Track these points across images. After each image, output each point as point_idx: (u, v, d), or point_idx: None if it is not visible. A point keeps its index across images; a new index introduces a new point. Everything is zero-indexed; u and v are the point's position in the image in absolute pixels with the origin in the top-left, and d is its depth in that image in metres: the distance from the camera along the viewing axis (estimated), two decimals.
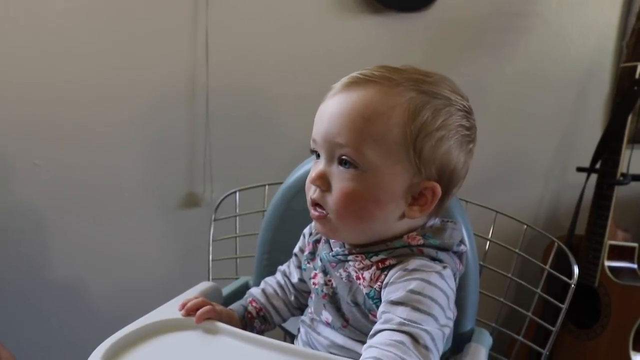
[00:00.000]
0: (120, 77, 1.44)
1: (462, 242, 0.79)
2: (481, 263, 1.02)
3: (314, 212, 0.76)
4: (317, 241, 0.86)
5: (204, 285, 0.95)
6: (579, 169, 1.63)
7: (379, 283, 0.73)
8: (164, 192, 1.54)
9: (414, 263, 0.71)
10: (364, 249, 0.76)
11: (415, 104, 0.70)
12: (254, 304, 0.92)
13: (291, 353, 0.75)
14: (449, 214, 0.89)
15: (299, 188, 0.95)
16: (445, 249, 0.75)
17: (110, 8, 1.40)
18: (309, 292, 0.91)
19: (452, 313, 0.70)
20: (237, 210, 1.17)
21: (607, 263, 1.55)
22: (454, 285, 0.73)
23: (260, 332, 0.91)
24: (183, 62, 1.46)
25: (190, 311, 0.82)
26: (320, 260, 0.82)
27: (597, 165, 1.58)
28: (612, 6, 1.69)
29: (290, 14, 1.49)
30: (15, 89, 1.40)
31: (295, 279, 0.92)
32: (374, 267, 0.74)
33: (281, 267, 0.96)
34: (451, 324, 0.70)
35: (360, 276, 0.75)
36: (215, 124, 1.49)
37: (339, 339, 0.80)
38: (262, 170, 1.43)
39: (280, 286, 0.94)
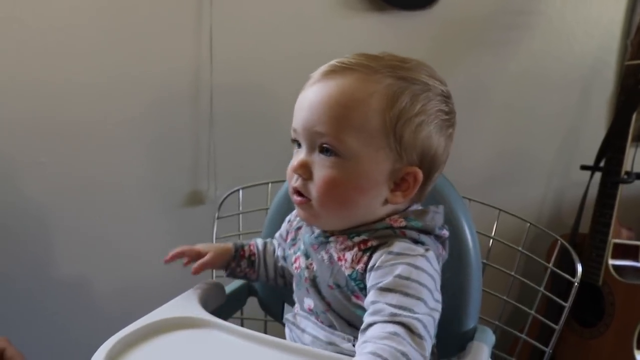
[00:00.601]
0: (124, 75, 1.44)
1: (444, 226, 0.79)
2: (484, 261, 1.02)
3: (296, 198, 0.77)
4: (299, 228, 0.88)
5: (206, 283, 0.95)
6: (583, 167, 1.62)
7: (361, 264, 0.73)
8: (167, 190, 1.54)
9: (398, 246, 0.71)
10: (346, 230, 0.77)
11: (393, 90, 0.71)
12: (252, 248, 0.97)
13: (291, 351, 0.75)
14: (452, 213, 0.89)
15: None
16: (427, 231, 0.75)
17: (114, 6, 1.40)
18: (283, 276, 0.96)
19: (439, 296, 0.70)
20: (240, 208, 1.18)
21: (611, 262, 1.55)
22: (438, 268, 0.73)
23: (243, 274, 0.96)
24: (187, 60, 1.46)
25: (175, 257, 0.92)
26: (303, 243, 0.83)
27: (601, 164, 1.58)
28: (616, 4, 1.68)
29: (294, 12, 1.49)
30: (19, 87, 1.40)
31: (279, 253, 0.95)
32: (355, 248, 0.75)
33: (274, 239, 0.99)
34: (439, 307, 0.69)
35: (342, 257, 0.76)
36: (219, 122, 1.49)
37: (321, 334, 0.80)
38: (265, 168, 1.43)
39: (274, 253, 0.97)
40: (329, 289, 0.77)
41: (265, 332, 0.80)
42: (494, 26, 1.61)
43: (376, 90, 0.70)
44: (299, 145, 0.76)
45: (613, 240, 1.54)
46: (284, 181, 1.05)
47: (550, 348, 0.99)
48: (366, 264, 0.72)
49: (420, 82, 0.72)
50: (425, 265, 0.69)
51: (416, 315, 0.64)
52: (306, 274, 0.81)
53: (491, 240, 1.06)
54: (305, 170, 0.74)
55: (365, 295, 0.71)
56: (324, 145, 0.72)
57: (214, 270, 1.11)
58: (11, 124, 1.42)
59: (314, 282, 0.80)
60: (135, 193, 1.53)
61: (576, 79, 1.72)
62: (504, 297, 1.05)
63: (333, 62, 0.74)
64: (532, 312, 1.03)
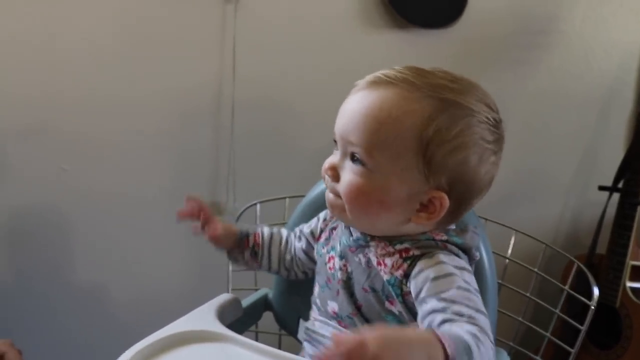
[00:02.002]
0: (148, 88, 1.46)
1: (478, 248, 0.79)
2: (499, 281, 1.02)
3: (329, 194, 0.78)
4: (334, 228, 0.87)
5: (223, 297, 0.96)
6: (601, 188, 1.62)
7: (400, 271, 0.73)
8: None
9: (445, 257, 0.72)
10: (388, 236, 0.77)
11: (430, 110, 0.69)
12: (256, 238, 0.95)
13: None
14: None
15: (319, 204, 0.96)
16: (465, 249, 0.76)
17: (140, 22, 1.43)
18: (302, 267, 0.95)
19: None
20: (258, 222, 1.19)
21: (629, 284, 1.54)
22: (476, 284, 0.73)
23: (244, 262, 0.95)
24: (210, 74, 1.48)
25: (186, 216, 0.91)
26: (339, 244, 0.83)
27: (620, 185, 1.57)
28: (636, 24, 1.68)
29: (317, 29, 1.51)
30: (47, 96, 1.42)
31: (298, 245, 0.94)
32: (397, 255, 0.75)
33: (297, 229, 0.97)
34: None
35: (382, 262, 0.76)
36: (239, 136, 1.51)
37: None
38: (284, 182, 1.44)
39: (287, 242, 0.96)
40: (362, 292, 0.78)
41: (280, 346, 0.81)
42: (513, 45, 1.62)
43: (413, 109, 0.70)
44: (337, 148, 0.77)
45: (631, 262, 1.53)
46: (301, 196, 1.06)
47: None
48: (405, 271, 0.73)
49: (463, 107, 0.71)
50: (471, 280, 0.71)
51: (482, 324, 0.64)
52: (339, 275, 0.81)
53: (507, 261, 1.06)
54: (334, 173, 0.76)
55: (401, 302, 0.73)
56: (354, 155, 0.73)
57: (230, 283, 1.13)
58: (36, 131, 1.45)
59: (347, 284, 0.80)
60: (154, 203, 1.55)
61: (595, 99, 1.72)
62: (519, 319, 1.05)
63: (379, 72, 0.74)
64: (548, 334, 1.02)
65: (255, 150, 1.54)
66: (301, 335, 1.02)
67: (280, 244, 0.96)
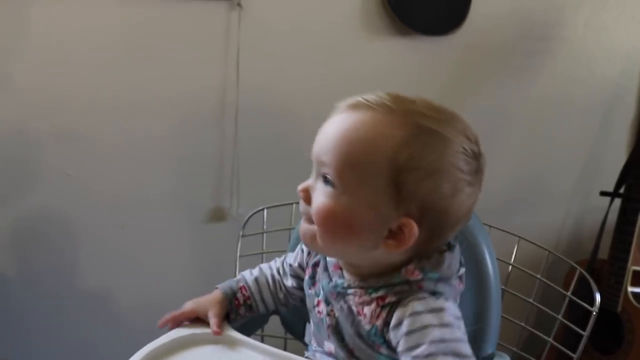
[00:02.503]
0: (152, 93, 1.47)
1: (461, 264, 0.78)
2: (503, 287, 1.03)
3: (301, 223, 0.77)
4: (316, 264, 0.86)
5: None
6: (603, 193, 1.62)
7: (380, 320, 0.72)
8: (191, 206, 1.57)
9: (419, 305, 0.70)
10: (363, 283, 0.76)
11: (405, 137, 0.68)
12: (243, 292, 0.92)
13: None
14: (474, 240, 0.90)
15: None
16: (444, 279, 0.74)
17: (146, 27, 1.44)
18: (298, 298, 0.93)
19: (466, 338, 0.70)
20: (265, 227, 1.20)
21: (631, 289, 1.54)
22: (459, 312, 0.72)
23: (244, 319, 0.93)
24: (214, 80, 1.49)
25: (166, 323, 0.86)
26: (322, 289, 0.82)
27: (621, 190, 1.58)
28: (638, 30, 1.70)
29: (319, 35, 1.52)
30: (52, 102, 1.44)
31: (288, 283, 0.93)
32: (374, 304, 0.74)
33: (277, 261, 0.96)
34: (470, 351, 0.69)
35: (361, 311, 0.75)
36: (243, 141, 1.52)
37: None
38: (288, 188, 1.45)
39: (274, 280, 0.94)
40: (351, 337, 0.77)
41: (285, 351, 0.81)
42: (516, 52, 1.63)
43: (388, 134, 0.68)
44: None
45: (632, 267, 1.54)
46: None
47: None
48: (385, 320, 0.72)
49: (439, 135, 0.69)
50: (451, 320, 0.69)
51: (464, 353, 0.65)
52: (328, 320, 0.80)
53: (510, 267, 1.07)
54: (306, 195, 0.75)
55: (387, 347, 0.72)
56: (325, 175, 0.72)
57: None
58: (41, 136, 1.46)
59: (336, 329, 0.79)
60: (160, 208, 1.56)
61: (597, 105, 1.73)
62: (522, 324, 1.06)
63: (359, 96, 0.73)
64: (550, 339, 1.03)
65: (259, 156, 1.55)
66: (308, 339, 1.03)
67: (269, 285, 0.94)
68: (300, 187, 0.76)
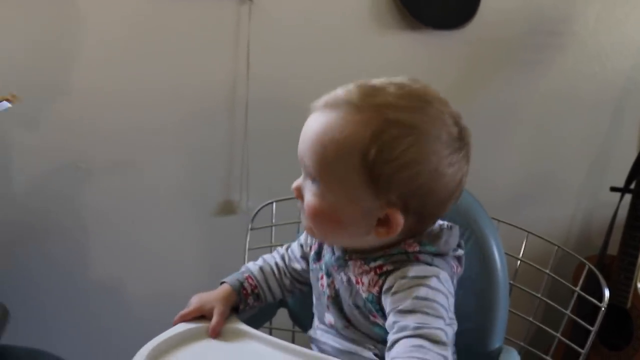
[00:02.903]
0: (164, 86, 1.48)
1: (459, 245, 0.81)
2: (511, 282, 1.03)
3: (301, 216, 0.81)
4: (322, 242, 0.89)
5: None
6: (613, 189, 1.62)
7: (376, 288, 0.76)
8: (201, 199, 1.58)
9: (413, 270, 0.73)
10: (363, 255, 0.79)
11: (372, 132, 0.70)
12: (250, 281, 0.93)
13: None
14: (482, 234, 0.90)
15: None
16: (441, 254, 0.77)
17: (157, 21, 1.44)
18: (304, 283, 0.95)
19: (453, 315, 0.73)
20: (274, 221, 1.21)
21: None
22: (452, 288, 0.75)
23: (252, 308, 0.93)
24: (224, 74, 1.50)
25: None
26: (325, 262, 0.86)
27: (632, 186, 1.57)
28: None
29: (330, 29, 1.52)
30: (63, 95, 1.44)
31: (298, 266, 0.95)
32: (372, 273, 0.77)
33: (280, 250, 0.99)
34: (454, 325, 0.72)
35: (359, 280, 0.78)
36: (253, 135, 1.53)
37: (343, 344, 0.83)
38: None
39: (278, 267, 0.96)
40: (349, 308, 0.81)
41: (293, 343, 0.82)
42: (526, 46, 1.62)
43: (354, 131, 0.70)
44: None
45: None
46: None
47: None
48: (381, 287, 0.75)
49: (408, 125, 0.70)
50: (439, 286, 0.72)
51: (438, 327, 0.67)
52: (328, 292, 0.84)
53: (519, 262, 1.07)
54: (297, 192, 0.79)
55: (382, 316, 0.75)
56: (310, 174, 0.76)
57: None
58: (53, 129, 1.47)
59: (335, 300, 0.83)
60: (169, 200, 1.57)
61: (608, 100, 1.72)
62: (530, 319, 1.06)
63: (330, 95, 0.76)
64: (558, 335, 1.03)
65: (269, 150, 1.56)
66: (309, 331, 1.04)
67: (274, 273, 0.96)
68: (293, 185, 0.80)
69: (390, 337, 0.68)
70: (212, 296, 0.89)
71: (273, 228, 1.21)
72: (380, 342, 0.79)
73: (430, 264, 0.75)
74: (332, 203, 0.74)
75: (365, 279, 0.77)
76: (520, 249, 1.09)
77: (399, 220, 0.73)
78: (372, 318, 0.78)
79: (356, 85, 0.75)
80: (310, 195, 0.76)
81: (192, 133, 1.53)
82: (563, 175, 1.75)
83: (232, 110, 1.52)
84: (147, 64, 1.47)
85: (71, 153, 1.49)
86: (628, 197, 1.58)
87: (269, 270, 0.96)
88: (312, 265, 0.90)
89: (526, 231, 1.07)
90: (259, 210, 1.21)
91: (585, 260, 1.06)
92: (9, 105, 0.79)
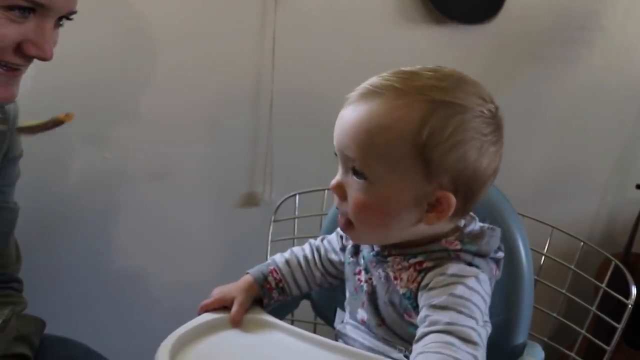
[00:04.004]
0: (187, 77, 1.49)
1: (499, 248, 0.79)
2: (535, 277, 1.02)
3: (340, 219, 0.79)
4: None
5: None
6: (639, 186, 1.60)
7: (414, 284, 0.75)
8: (224, 190, 1.59)
9: (452, 268, 0.72)
10: (402, 250, 0.78)
11: (421, 115, 0.69)
12: (274, 275, 0.92)
13: (343, 353, 0.78)
14: (508, 229, 0.90)
15: None
16: (481, 255, 0.76)
17: (184, 10, 1.45)
18: (336, 277, 0.94)
19: (487, 317, 0.72)
20: (297, 213, 1.21)
21: None
22: (489, 290, 0.74)
23: (277, 302, 0.93)
24: (250, 65, 1.50)
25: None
26: (363, 258, 0.84)
27: None
28: None
29: (356, 22, 1.52)
30: (88, 84, 1.45)
31: (336, 258, 0.93)
32: (411, 269, 0.76)
33: (313, 242, 0.97)
34: (489, 328, 0.71)
35: (398, 277, 0.77)
36: (277, 127, 1.53)
37: (372, 343, 0.82)
38: (320, 174, 1.45)
39: (307, 260, 0.94)
40: (384, 305, 0.79)
41: None
42: (553, 41, 1.61)
43: (402, 116, 0.70)
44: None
45: None
46: None
47: None
48: (419, 283, 0.74)
49: (453, 104, 0.70)
50: (477, 287, 0.71)
51: (470, 326, 0.66)
52: (366, 287, 0.82)
53: (543, 257, 1.07)
54: (340, 191, 0.76)
55: (418, 314, 0.73)
56: (355, 168, 0.73)
57: None
58: (80, 118, 1.48)
59: (372, 297, 0.81)
60: (193, 191, 1.58)
61: (635, 96, 1.70)
62: (554, 314, 1.06)
63: (366, 84, 0.75)
64: (583, 331, 1.03)
65: (293, 142, 1.56)
66: (338, 325, 1.04)
67: (301, 266, 0.94)
68: (333, 184, 0.77)
69: (420, 330, 0.68)
70: (234, 287, 0.90)
71: (296, 220, 1.21)
72: (412, 343, 0.76)
73: (470, 264, 0.74)
74: (383, 194, 0.72)
75: (405, 275, 0.76)
76: (545, 244, 1.08)
77: (452, 201, 0.72)
78: (406, 317, 0.77)
79: (391, 73, 0.74)
80: (355, 190, 0.74)
81: (217, 124, 1.54)
82: (588, 171, 1.74)
83: (256, 102, 1.53)
84: (172, 55, 1.47)
85: (97, 143, 1.51)
86: None
87: (296, 264, 0.95)
88: (349, 259, 0.88)
89: (551, 226, 1.07)
90: (282, 203, 1.21)
91: (611, 257, 1.05)
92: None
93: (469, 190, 0.74)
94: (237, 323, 0.84)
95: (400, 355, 0.79)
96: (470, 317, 0.67)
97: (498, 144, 0.75)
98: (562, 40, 1.61)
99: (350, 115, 0.74)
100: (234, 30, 1.48)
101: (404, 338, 0.79)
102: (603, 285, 1.02)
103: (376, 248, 0.82)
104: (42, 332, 1.04)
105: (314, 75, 1.53)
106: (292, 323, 1.12)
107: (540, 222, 1.07)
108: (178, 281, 1.63)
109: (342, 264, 0.92)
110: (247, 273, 0.93)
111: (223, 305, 0.87)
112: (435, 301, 0.69)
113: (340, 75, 1.53)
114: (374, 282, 0.81)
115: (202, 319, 0.84)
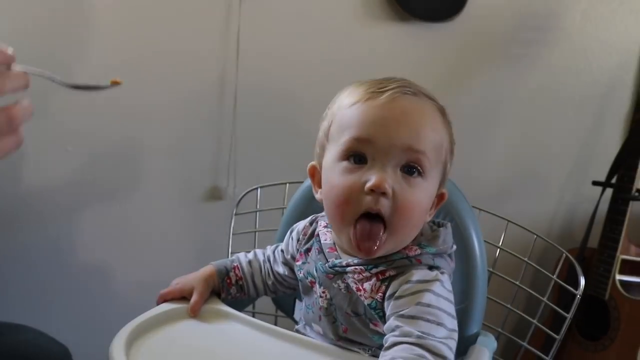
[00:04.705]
0: (151, 71, 1.48)
1: (452, 243, 0.82)
2: (490, 269, 1.05)
3: (370, 225, 0.72)
4: (308, 250, 0.87)
5: None
6: (595, 183, 1.64)
7: (379, 294, 0.74)
8: (188, 184, 1.59)
9: (416, 274, 0.73)
10: (362, 261, 0.77)
11: (445, 118, 0.78)
12: (236, 272, 0.93)
13: (302, 344, 0.79)
14: (462, 221, 0.92)
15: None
16: (440, 254, 0.78)
17: (149, 6, 1.45)
18: (287, 287, 0.95)
19: (455, 318, 0.73)
20: (258, 206, 1.22)
21: (619, 277, 1.57)
22: (451, 287, 0.76)
23: (234, 299, 0.93)
24: (214, 61, 1.50)
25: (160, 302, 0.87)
26: (316, 270, 0.83)
27: (613, 180, 1.60)
28: (636, 23, 1.70)
29: (319, 19, 1.53)
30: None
31: (280, 270, 0.93)
32: (374, 279, 0.76)
33: (268, 249, 0.98)
34: (457, 327, 0.72)
35: (361, 287, 0.76)
36: (241, 122, 1.53)
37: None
38: (284, 168, 1.47)
39: (264, 267, 0.96)
40: (346, 316, 0.79)
41: None
42: (513, 41, 1.64)
43: (438, 116, 0.77)
44: (359, 160, 0.73)
45: (621, 256, 1.56)
46: (301, 182, 1.09)
47: (551, 357, 1.02)
48: (384, 292, 0.74)
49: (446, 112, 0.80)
50: (442, 292, 0.72)
51: (440, 339, 0.67)
52: (320, 302, 0.82)
53: (498, 250, 1.09)
54: (390, 191, 0.70)
55: (384, 322, 0.73)
56: (412, 164, 0.72)
57: None
58: (42, 113, 1.46)
59: (328, 311, 0.81)
60: (158, 185, 1.57)
61: (593, 96, 1.74)
62: (508, 306, 1.08)
63: (395, 83, 0.75)
64: (535, 321, 1.05)
65: (257, 136, 1.56)
66: (297, 316, 1.05)
67: (261, 271, 0.95)
68: (384, 185, 0.69)
69: (391, 339, 0.68)
70: (193, 277, 0.90)
71: (257, 213, 1.22)
72: (377, 348, 0.77)
73: (432, 266, 0.75)
74: (427, 190, 0.76)
75: (367, 286, 0.75)
76: (500, 239, 1.10)
77: (446, 196, 0.82)
78: (372, 326, 0.77)
79: (397, 79, 0.77)
80: (410, 189, 0.72)
81: (181, 118, 1.54)
82: (547, 169, 1.77)
83: (220, 97, 1.53)
84: (136, 49, 1.46)
85: (60, 136, 1.49)
86: (609, 192, 1.61)
87: (257, 267, 0.95)
88: (300, 275, 0.87)
89: (506, 220, 1.09)
90: (243, 196, 1.22)
91: (564, 250, 1.08)
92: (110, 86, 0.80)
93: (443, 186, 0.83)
94: (196, 313, 0.85)
95: (364, 354, 0.79)
96: (439, 324, 0.68)
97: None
98: (522, 40, 1.65)
99: (407, 109, 0.73)
100: (199, 24, 1.48)
101: (368, 344, 0.79)
102: (554, 277, 1.04)
103: (330, 259, 0.81)
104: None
105: (278, 71, 1.54)
106: (253, 315, 1.12)
107: (495, 215, 1.09)
108: (140, 274, 1.61)
109: (288, 276, 0.93)
110: (210, 264, 0.94)
111: (182, 295, 0.87)
112: (404, 311, 0.69)
113: (304, 70, 1.54)
114: (330, 295, 0.80)
115: (160, 309, 0.84)
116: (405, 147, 0.71)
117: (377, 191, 0.70)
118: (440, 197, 0.80)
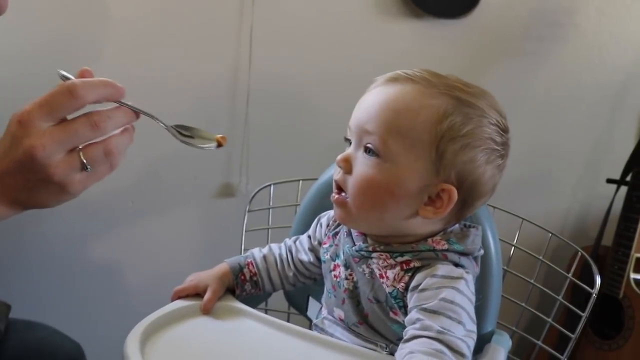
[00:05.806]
0: (165, 72, 1.48)
1: (480, 246, 0.81)
2: (505, 268, 1.04)
3: (334, 195, 0.79)
4: (336, 234, 0.88)
5: None
6: (609, 181, 1.63)
7: (402, 284, 0.75)
8: (201, 181, 1.59)
9: (441, 269, 0.73)
10: (389, 248, 0.78)
11: (445, 107, 0.73)
12: (250, 268, 0.93)
13: (316, 341, 0.79)
14: (477, 219, 0.91)
15: (331, 187, 0.99)
16: (467, 254, 0.77)
17: (163, 6, 1.45)
18: (308, 277, 0.95)
19: (474, 318, 0.73)
20: (271, 203, 1.22)
21: (633, 275, 1.56)
22: (474, 290, 0.75)
23: (249, 295, 0.93)
24: (227, 59, 1.50)
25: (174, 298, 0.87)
26: (343, 253, 0.84)
27: (628, 178, 1.59)
28: None
29: (332, 17, 1.52)
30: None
31: (305, 258, 0.93)
32: (398, 267, 0.76)
33: (287, 241, 0.98)
34: (475, 329, 0.72)
35: (384, 274, 0.77)
36: (254, 118, 1.53)
37: (351, 339, 0.82)
38: (297, 165, 1.47)
39: (281, 259, 0.95)
40: (368, 302, 0.79)
41: None
42: (527, 37, 1.62)
43: (429, 104, 0.73)
44: (350, 144, 0.79)
45: (636, 255, 1.55)
46: (314, 179, 1.09)
47: (566, 356, 1.01)
48: (407, 283, 0.74)
49: (476, 107, 0.74)
50: (466, 290, 0.72)
51: (459, 336, 0.67)
52: (345, 284, 0.82)
53: (512, 248, 1.08)
54: (347, 164, 0.77)
55: (404, 313, 0.74)
56: (368, 145, 0.75)
57: None
58: None
59: (353, 293, 0.81)
60: (170, 182, 1.57)
61: (607, 92, 1.73)
62: (522, 304, 1.07)
63: (398, 71, 0.77)
64: (550, 320, 1.05)
65: (269, 133, 1.56)
66: (311, 313, 1.05)
67: (277, 264, 0.95)
68: (341, 157, 0.78)
69: (410, 331, 0.68)
70: (208, 274, 0.90)
71: (270, 210, 1.22)
72: (395, 340, 0.78)
73: (457, 264, 0.75)
74: (392, 172, 0.74)
75: (390, 274, 0.76)
76: (515, 236, 1.10)
77: (455, 197, 0.74)
78: (391, 314, 0.77)
79: (423, 69, 0.77)
80: (365, 167, 0.75)
81: (194, 117, 1.53)
82: (561, 167, 1.76)
83: (233, 95, 1.52)
84: (148, 53, 1.47)
85: None
86: (624, 190, 1.60)
87: (272, 261, 0.95)
88: (325, 257, 0.88)
89: (521, 218, 1.08)
90: (256, 193, 1.21)
91: (579, 248, 1.08)
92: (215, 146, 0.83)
93: (468, 194, 0.76)
94: (208, 310, 0.85)
95: (380, 350, 0.79)
96: (459, 322, 0.68)
97: (504, 160, 0.79)
98: (536, 36, 1.63)
99: (378, 94, 0.76)
100: (211, 26, 1.48)
101: (385, 336, 0.79)
102: (569, 275, 1.04)
103: (358, 243, 0.82)
104: (7, 316, 1.03)
105: (291, 70, 1.53)
106: (266, 312, 1.13)
107: (510, 213, 1.08)
108: (153, 272, 1.62)
109: (312, 264, 0.93)
110: (224, 262, 0.94)
111: (196, 292, 0.88)
112: (427, 305, 0.69)
113: (317, 70, 1.54)
114: (356, 278, 0.81)
115: (174, 306, 0.85)
116: (359, 129, 0.76)
117: (337, 165, 0.79)
118: (442, 193, 0.74)
